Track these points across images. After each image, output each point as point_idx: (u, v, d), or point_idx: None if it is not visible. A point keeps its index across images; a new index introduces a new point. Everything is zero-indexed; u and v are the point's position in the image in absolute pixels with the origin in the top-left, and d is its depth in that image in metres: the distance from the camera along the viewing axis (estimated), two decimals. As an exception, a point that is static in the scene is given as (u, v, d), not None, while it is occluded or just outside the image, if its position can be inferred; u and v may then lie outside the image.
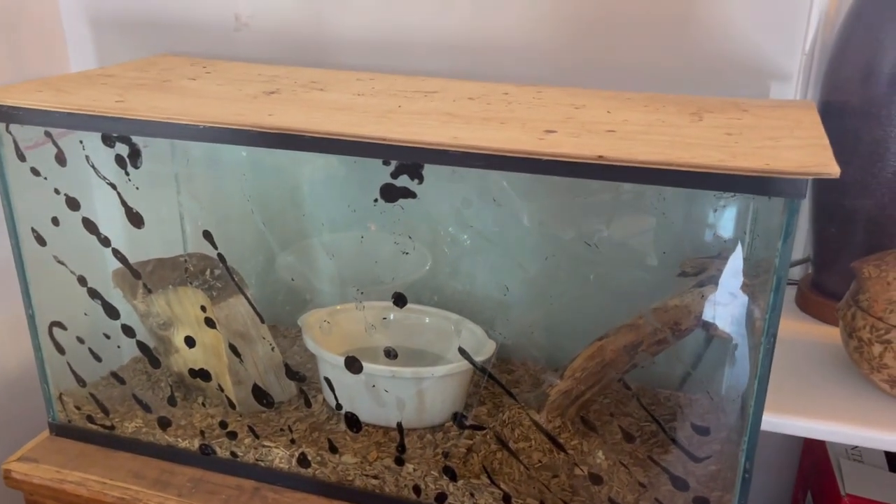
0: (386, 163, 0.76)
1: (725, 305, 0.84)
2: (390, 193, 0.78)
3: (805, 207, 0.94)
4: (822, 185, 0.90)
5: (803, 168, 0.61)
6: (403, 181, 0.76)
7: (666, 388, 1.03)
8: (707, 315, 0.86)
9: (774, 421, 0.75)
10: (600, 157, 0.65)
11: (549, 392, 0.94)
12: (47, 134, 0.89)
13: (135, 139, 0.85)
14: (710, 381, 0.95)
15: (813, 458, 1.04)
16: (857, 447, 0.97)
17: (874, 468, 0.93)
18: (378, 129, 0.74)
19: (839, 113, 0.86)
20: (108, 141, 0.85)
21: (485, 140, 0.71)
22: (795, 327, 0.92)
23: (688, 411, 0.99)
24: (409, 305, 0.89)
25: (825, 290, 0.94)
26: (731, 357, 0.85)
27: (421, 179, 0.76)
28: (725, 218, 0.88)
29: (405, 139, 0.71)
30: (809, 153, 0.65)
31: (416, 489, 0.89)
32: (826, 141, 0.69)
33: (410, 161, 0.74)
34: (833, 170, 0.59)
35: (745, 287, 0.84)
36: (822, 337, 0.90)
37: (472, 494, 0.87)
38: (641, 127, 0.76)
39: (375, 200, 0.79)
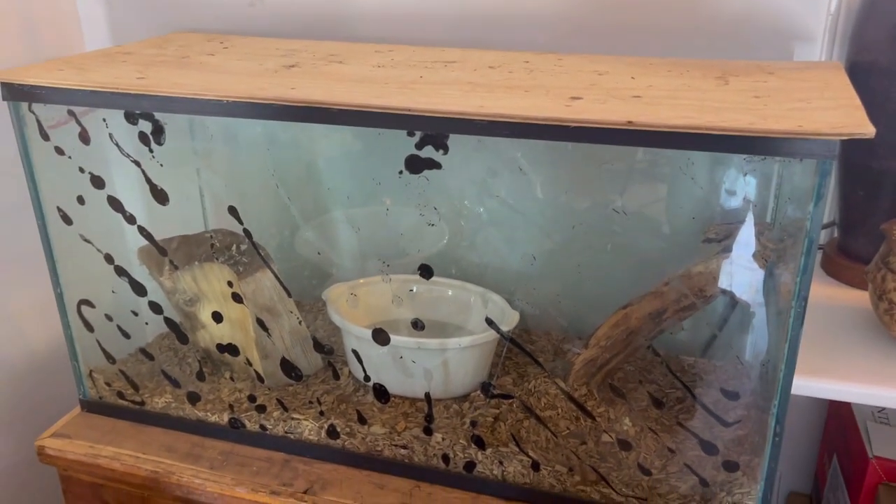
0: (410, 134, 0.76)
1: (751, 272, 0.84)
2: (415, 165, 0.78)
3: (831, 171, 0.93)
4: (850, 148, 0.88)
5: (837, 129, 0.60)
6: (428, 152, 0.76)
7: (688, 354, 1.03)
8: (730, 282, 0.86)
9: (804, 384, 0.75)
10: (629, 122, 0.65)
11: (573, 361, 0.95)
12: (70, 113, 0.90)
13: (157, 116, 0.85)
14: (735, 347, 0.95)
15: (838, 421, 1.04)
16: (883, 410, 0.97)
17: (902, 430, 0.94)
18: (402, 100, 0.74)
19: (867, 73, 0.85)
20: (131, 118, 0.85)
21: (510, 108, 0.70)
22: (822, 291, 0.92)
23: (712, 377, 0.99)
24: (432, 278, 0.89)
25: (852, 254, 0.94)
26: (754, 323, 0.85)
27: (446, 150, 0.75)
28: (752, 183, 0.88)
29: (431, 109, 0.71)
30: (842, 114, 0.65)
31: (445, 458, 0.90)
32: (858, 101, 0.68)
33: (436, 131, 0.74)
34: (868, 129, 0.59)
35: (771, 252, 0.84)
36: (850, 300, 0.89)
37: (500, 462, 0.88)
38: (667, 92, 0.75)
39: (400, 172, 0.78)
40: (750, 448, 0.84)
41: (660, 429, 0.90)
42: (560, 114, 0.68)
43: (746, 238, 0.83)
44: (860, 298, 0.89)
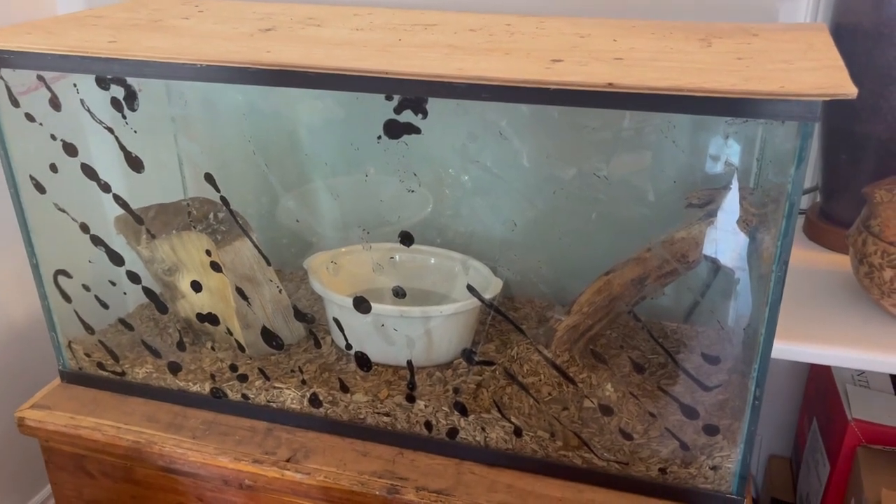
0: (389, 98, 0.74)
1: (733, 237, 0.84)
2: (394, 129, 0.76)
3: (814, 135, 0.93)
4: (833, 111, 0.88)
5: (819, 89, 0.59)
6: (407, 116, 0.75)
7: (671, 320, 1.04)
8: (712, 247, 0.86)
9: (784, 348, 0.75)
10: (610, 84, 0.64)
11: (556, 327, 0.95)
12: (40, 78, 0.87)
13: (130, 81, 0.83)
14: (717, 312, 0.96)
15: (818, 384, 1.05)
16: (863, 373, 0.98)
17: (880, 393, 0.94)
18: (380, 63, 0.72)
19: (851, 35, 0.84)
20: (102, 83, 0.83)
21: (490, 71, 0.69)
22: (804, 256, 0.92)
23: (694, 343, 1.00)
24: (413, 246, 0.88)
25: (833, 218, 0.94)
26: (737, 288, 0.85)
27: (425, 114, 0.74)
28: (734, 147, 0.87)
29: (409, 72, 0.70)
30: (825, 75, 0.64)
31: (428, 425, 0.90)
32: (841, 62, 0.67)
33: (414, 95, 0.73)
34: (850, 90, 0.58)
35: (753, 216, 0.83)
36: (831, 265, 0.90)
37: (483, 429, 0.88)
38: (649, 54, 0.74)
39: (379, 137, 0.77)
40: (730, 412, 0.85)
41: (641, 394, 0.90)
42: (540, 76, 0.67)
43: (729, 203, 0.83)
44: (842, 262, 0.89)
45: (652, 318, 1.04)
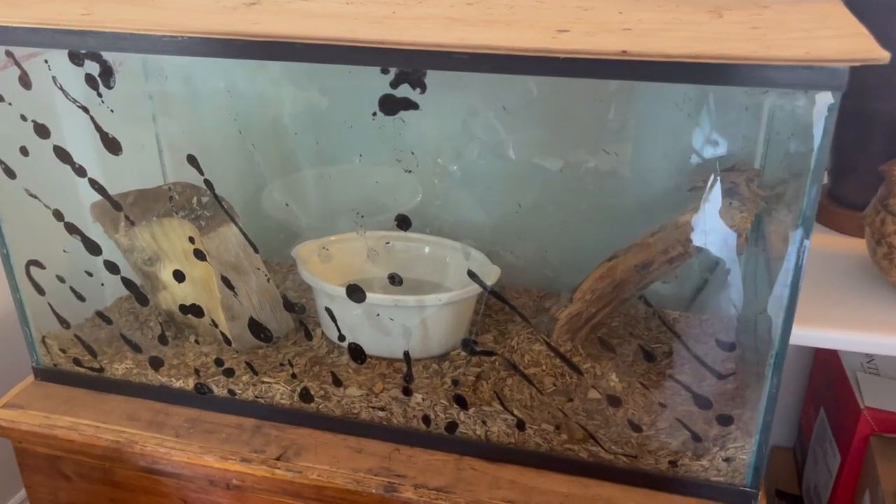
0: (384, 71, 0.70)
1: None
2: (390, 105, 0.72)
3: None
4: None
5: (848, 55, 0.56)
6: (404, 91, 0.71)
7: (672, 308, 1.00)
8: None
9: (800, 333, 0.72)
10: (624, 52, 0.60)
11: (558, 316, 0.91)
12: (9, 54, 0.82)
13: (106, 56, 0.78)
14: (719, 299, 0.93)
15: (825, 373, 1.02)
16: (872, 360, 0.96)
17: (892, 380, 0.92)
18: (375, 35, 0.68)
19: (862, 9, 0.81)
20: (76, 59, 0.78)
21: (494, 40, 0.65)
22: (813, 239, 0.88)
23: (697, 331, 0.97)
24: (407, 234, 0.84)
25: (843, 201, 0.91)
26: (728, 278, 0.82)
27: (423, 88, 0.70)
28: (742, 127, 0.84)
29: (407, 41, 0.65)
30: (850, 41, 0.61)
31: (426, 419, 0.86)
32: (864, 30, 0.64)
33: (413, 67, 0.68)
34: (881, 55, 0.55)
35: (762, 199, 0.81)
36: (842, 248, 0.87)
37: (483, 422, 0.84)
38: (659, 25, 0.70)
39: (374, 114, 0.73)
40: (742, 401, 0.82)
41: (648, 383, 0.87)
42: (548, 45, 0.63)
43: (737, 185, 0.80)
44: (852, 245, 0.86)
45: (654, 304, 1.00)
